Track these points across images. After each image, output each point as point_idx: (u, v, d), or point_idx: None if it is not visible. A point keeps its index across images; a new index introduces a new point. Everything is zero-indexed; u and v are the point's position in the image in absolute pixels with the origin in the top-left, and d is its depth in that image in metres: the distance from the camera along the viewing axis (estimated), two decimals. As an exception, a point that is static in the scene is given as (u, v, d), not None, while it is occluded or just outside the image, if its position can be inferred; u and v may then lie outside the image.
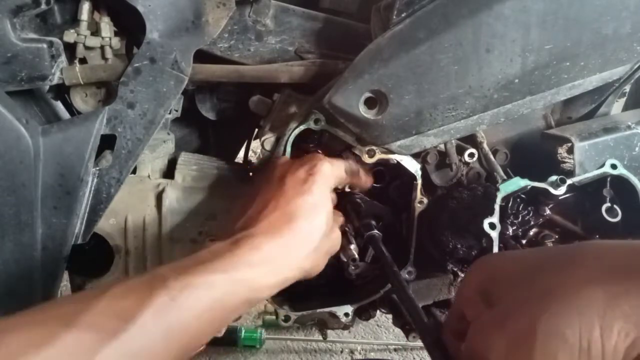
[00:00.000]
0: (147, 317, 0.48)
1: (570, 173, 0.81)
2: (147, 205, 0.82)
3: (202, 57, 0.81)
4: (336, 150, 0.83)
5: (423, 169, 0.84)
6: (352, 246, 0.78)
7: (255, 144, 1.06)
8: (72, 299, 0.53)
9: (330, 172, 0.71)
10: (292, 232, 0.63)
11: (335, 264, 0.87)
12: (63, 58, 0.72)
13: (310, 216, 0.65)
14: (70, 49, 0.73)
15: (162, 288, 0.50)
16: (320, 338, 1.82)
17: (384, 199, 0.90)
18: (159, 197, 0.82)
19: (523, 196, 0.80)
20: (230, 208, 0.83)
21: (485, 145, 0.87)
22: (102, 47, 0.74)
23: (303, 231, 0.64)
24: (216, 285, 0.54)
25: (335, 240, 0.73)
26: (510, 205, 0.80)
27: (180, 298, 0.51)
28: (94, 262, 0.82)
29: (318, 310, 0.87)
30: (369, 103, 0.74)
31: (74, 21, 0.72)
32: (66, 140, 0.69)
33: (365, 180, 0.82)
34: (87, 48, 0.73)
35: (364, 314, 0.92)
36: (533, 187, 0.77)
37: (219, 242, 0.61)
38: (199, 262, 0.56)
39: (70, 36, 0.71)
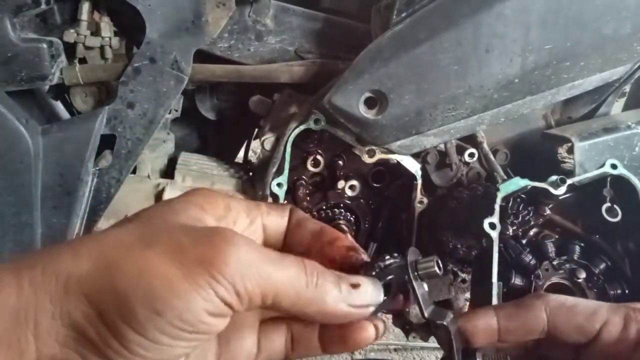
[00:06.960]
0: None
1: (570, 173, 0.81)
2: (147, 205, 0.82)
3: (202, 57, 0.81)
4: (336, 150, 0.83)
5: (423, 169, 0.84)
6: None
7: (255, 144, 1.06)
8: None
9: (247, 266, 0.34)
10: None
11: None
12: (63, 58, 0.72)
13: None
14: (70, 49, 0.73)
15: None
16: (320, 338, 1.82)
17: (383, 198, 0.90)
18: (159, 197, 0.82)
19: (523, 196, 0.80)
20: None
21: (485, 145, 0.87)
22: (102, 47, 0.74)
23: None
24: None
25: None
26: (510, 205, 0.79)
27: None
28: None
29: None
30: (369, 103, 0.74)
31: (74, 21, 0.72)
32: (66, 140, 0.69)
33: None
34: (87, 48, 0.73)
35: (364, 314, 0.91)
36: (533, 187, 0.76)
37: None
38: None
39: (70, 36, 0.71)
